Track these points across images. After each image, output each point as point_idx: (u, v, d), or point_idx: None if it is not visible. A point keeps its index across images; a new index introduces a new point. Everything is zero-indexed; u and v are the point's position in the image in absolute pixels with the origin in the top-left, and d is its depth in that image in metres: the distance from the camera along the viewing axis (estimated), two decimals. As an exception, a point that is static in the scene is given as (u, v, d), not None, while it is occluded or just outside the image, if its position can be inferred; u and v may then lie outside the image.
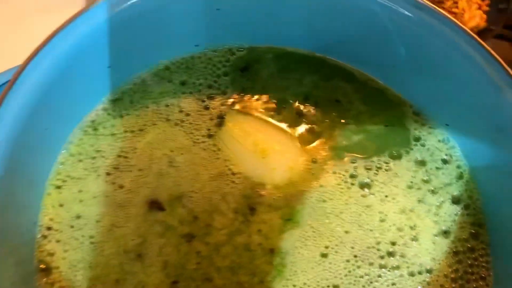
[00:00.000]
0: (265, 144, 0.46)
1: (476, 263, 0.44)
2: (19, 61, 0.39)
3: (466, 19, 0.68)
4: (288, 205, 0.45)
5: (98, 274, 0.42)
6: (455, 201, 0.47)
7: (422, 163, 0.48)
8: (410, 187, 0.47)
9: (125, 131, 0.48)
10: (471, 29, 0.66)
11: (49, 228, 0.43)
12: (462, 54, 0.42)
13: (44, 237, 0.43)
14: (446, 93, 0.46)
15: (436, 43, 0.44)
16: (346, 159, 0.48)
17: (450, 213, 0.46)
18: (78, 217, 0.44)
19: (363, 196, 0.46)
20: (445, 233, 0.45)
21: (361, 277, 0.43)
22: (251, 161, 0.46)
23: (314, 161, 0.47)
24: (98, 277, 0.42)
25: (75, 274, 0.42)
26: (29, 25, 0.64)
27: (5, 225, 0.39)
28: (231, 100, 0.50)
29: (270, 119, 0.49)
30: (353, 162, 0.47)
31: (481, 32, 0.68)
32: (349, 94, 0.51)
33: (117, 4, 0.43)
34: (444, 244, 0.45)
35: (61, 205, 0.44)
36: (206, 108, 0.49)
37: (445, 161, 0.48)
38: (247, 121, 0.48)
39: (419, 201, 0.46)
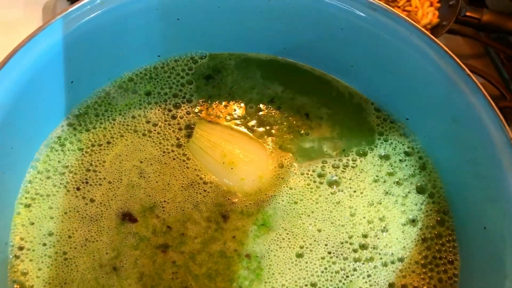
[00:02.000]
0: (233, 155, 0.47)
1: (443, 248, 0.46)
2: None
3: (419, 16, 0.70)
4: (260, 211, 0.46)
5: (74, 290, 0.42)
6: (420, 190, 0.48)
7: (386, 157, 0.50)
8: (376, 181, 0.48)
9: (93, 145, 0.47)
10: (425, 26, 0.69)
11: (21, 248, 0.43)
12: (416, 50, 0.44)
13: (17, 257, 0.42)
14: (404, 89, 0.48)
15: (391, 42, 0.45)
16: (313, 160, 0.49)
17: (416, 203, 0.48)
18: (50, 234, 0.43)
19: (332, 193, 0.47)
20: (413, 221, 0.47)
21: (337, 272, 0.44)
22: (221, 172, 0.47)
23: (281, 166, 0.48)
24: (75, 293, 0.42)
25: (50, 293, 0.41)
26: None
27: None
28: (198, 108, 0.50)
29: (237, 127, 0.50)
30: (321, 162, 0.49)
31: (434, 28, 0.71)
32: (312, 96, 0.52)
33: (76, 19, 0.43)
34: (412, 233, 0.47)
35: (32, 224, 0.43)
36: (174, 117, 0.49)
37: (407, 154, 0.50)
38: (215, 131, 0.48)
39: (386, 193, 0.48)
